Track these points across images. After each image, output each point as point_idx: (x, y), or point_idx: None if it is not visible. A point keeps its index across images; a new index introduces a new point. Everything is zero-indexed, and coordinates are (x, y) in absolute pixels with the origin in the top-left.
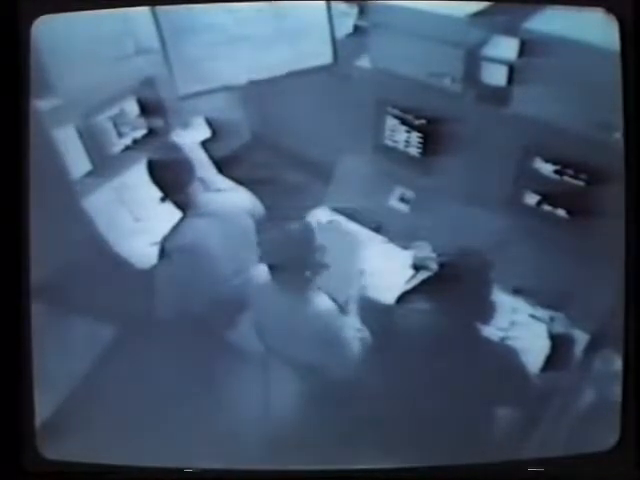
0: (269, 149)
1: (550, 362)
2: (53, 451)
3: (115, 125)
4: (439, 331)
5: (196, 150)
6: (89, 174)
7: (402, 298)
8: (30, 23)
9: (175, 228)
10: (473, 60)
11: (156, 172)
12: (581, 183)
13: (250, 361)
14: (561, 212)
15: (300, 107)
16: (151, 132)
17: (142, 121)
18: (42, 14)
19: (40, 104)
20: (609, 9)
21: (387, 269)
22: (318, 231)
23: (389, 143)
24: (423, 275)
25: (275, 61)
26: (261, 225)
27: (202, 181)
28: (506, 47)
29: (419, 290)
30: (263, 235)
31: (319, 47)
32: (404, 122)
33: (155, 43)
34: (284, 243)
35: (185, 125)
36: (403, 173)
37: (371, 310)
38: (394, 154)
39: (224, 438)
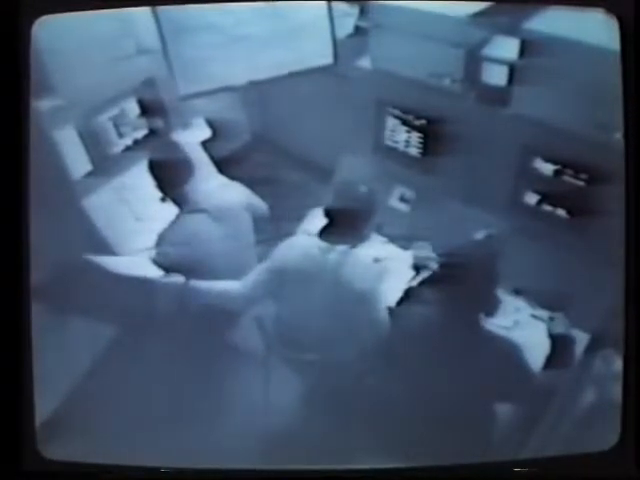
0: (269, 149)
1: (550, 362)
2: (53, 451)
3: (115, 125)
4: (439, 331)
5: (196, 150)
6: (89, 174)
7: (402, 298)
8: (31, 23)
9: (176, 228)
10: (473, 60)
11: (157, 172)
12: (581, 183)
13: (250, 360)
14: (561, 212)
15: (300, 107)
16: (151, 132)
17: (142, 121)
18: (43, 14)
19: (40, 104)
20: (609, 9)
21: (387, 269)
22: None
23: (389, 143)
24: (423, 275)
25: (275, 61)
26: (262, 224)
27: (203, 181)
28: (506, 47)
29: (419, 290)
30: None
31: (319, 47)
32: (404, 122)
33: (156, 43)
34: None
35: (185, 125)
36: (403, 173)
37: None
38: (394, 154)
39: (224, 438)
